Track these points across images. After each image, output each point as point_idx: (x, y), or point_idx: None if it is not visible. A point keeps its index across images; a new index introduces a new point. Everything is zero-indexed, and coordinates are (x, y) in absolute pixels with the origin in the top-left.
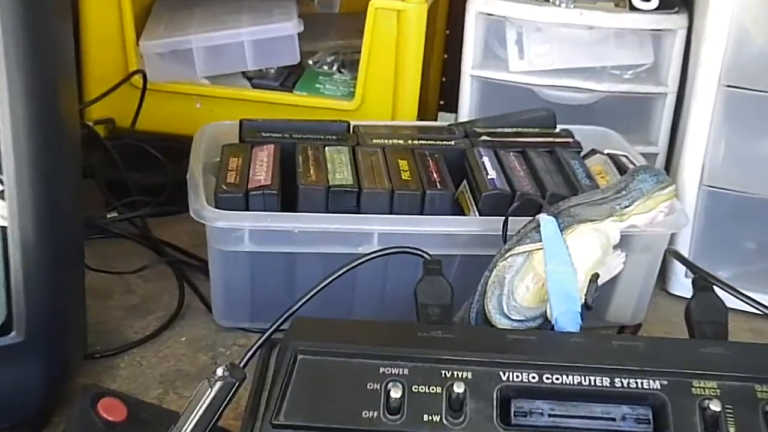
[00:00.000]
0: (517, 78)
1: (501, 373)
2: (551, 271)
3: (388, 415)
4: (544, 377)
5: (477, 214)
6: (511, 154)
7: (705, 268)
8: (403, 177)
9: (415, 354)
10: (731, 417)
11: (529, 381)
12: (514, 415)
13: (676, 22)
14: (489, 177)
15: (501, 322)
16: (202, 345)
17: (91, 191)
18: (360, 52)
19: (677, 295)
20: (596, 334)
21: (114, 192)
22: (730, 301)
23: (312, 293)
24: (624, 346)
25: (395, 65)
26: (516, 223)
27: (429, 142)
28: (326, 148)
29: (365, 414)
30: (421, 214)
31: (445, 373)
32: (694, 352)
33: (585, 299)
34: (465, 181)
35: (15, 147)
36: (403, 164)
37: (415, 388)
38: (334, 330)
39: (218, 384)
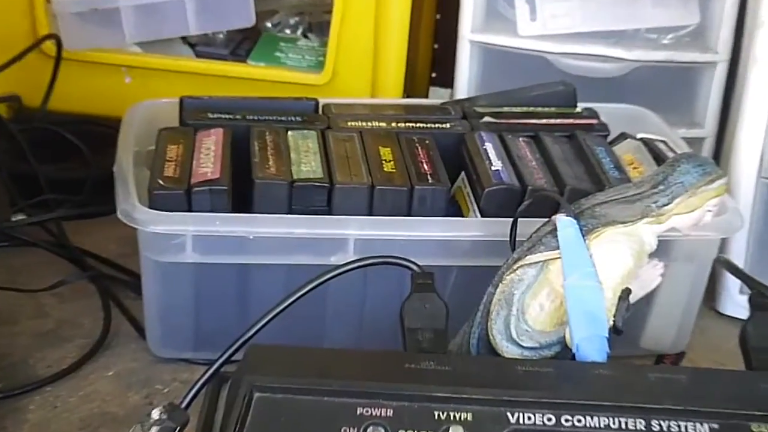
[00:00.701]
0: (528, 44)
1: (509, 414)
2: (571, 285)
3: None
4: (563, 419)
5: (478, 214)
6: (521, 139)
7: (765, 281)
8: (385, 168)
9: (401, 390)
10: None
11: (544, 424)
12: None
13: None
14: (493, 168)
15: (509, 350)
16: (133, 381)
17: None
18: (330, 11)
19: (729, 316)
20: (628, 364)
21: (21, 189)
22: None
23: (272, 315)
24: (663, 380)
25: (375, 28)
26: (527, 225)
27: (418, 124)
28: (289, 132)
29: None
30: (409, 215)
31: (439, 415)
32: (752, 388)
33: (614, 321)
34: (463, 174)
35: None
36: (385, 153)
37: None
38: (299, 361)
39: (154, 429)
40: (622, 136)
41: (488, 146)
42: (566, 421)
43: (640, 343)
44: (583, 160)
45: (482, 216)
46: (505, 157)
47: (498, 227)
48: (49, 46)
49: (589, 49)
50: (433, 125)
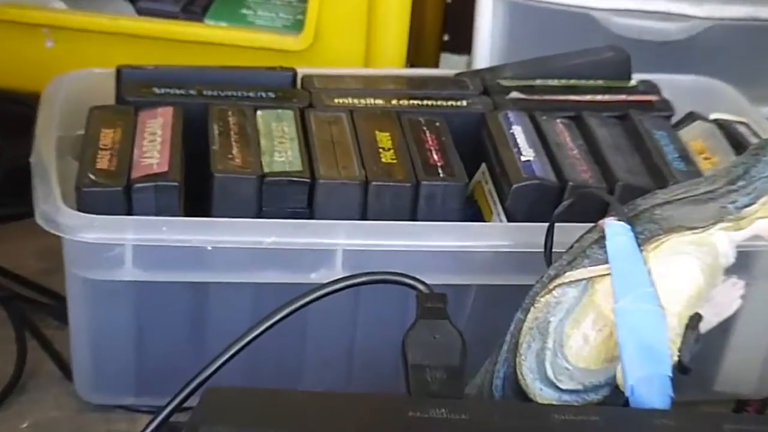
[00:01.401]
0: None
1: None
2: (624, 310)
3: None
4: None
5: (504, 218)
6: (559, 121)
7: None
8: (383, 159)
9: None
10: None
11: None
12: None
13: None
14: (523, 158)
15: (543, 394)
16: None
17: None
18: None
19: None
20: (698, 413)
21: None
22: None
23: (235, 350)
24: None
25: None
26: (566, 233)
27: (425, 102)
28: (258, 112)
29: None
30: (414, 219)
31: None
32: None
33: (679, 356)
34: (484, 165)
35: None
36: (383, 138)
37: None
38: (269, 408)
39: None
40: (690, 117)
41: (516, 130)
42: None
43: (715, 384)
44: (639, 148)
45: (509, 220)
46: (539, 144)
47: (529, 234)
48: None
49: (646, 4)
50: (444, 103)
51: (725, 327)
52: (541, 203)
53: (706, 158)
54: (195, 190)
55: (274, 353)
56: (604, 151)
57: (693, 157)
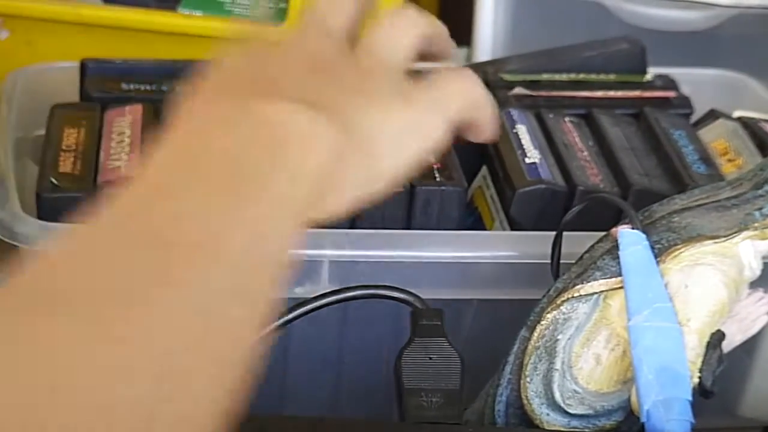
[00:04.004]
0: None
1: None
2: (639, 327)
3: None
4: None
5: (507, 226)
6: (567, 119)
7: None
8: None
9: None
10: None
11: None
12: None
13: None
14: (528, 161)
15: (550, 420)
16: None
17: None
18: None
19: None
20: None
21: None
22: None
23: None
24: None
25: None
26: (575, 241)
27: None
28: None
29: None
30: (409, 227)
31: None
32: None
33: (700, 378)
34: (485, 169)
35: None
36: None
37: None
38: None
39: None
40: (712, 115)
41: (520, 129)
42: None
43: (738, 409)
44: (655, 149)
45: (512, 228)
46: (545, 144)
47: (535, 244)
48: None
49: None
50: None
51: (750, 346)
52: (547, 210)
53: (729, 160)
54: None
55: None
56: (616, 152)
57: (715, 159)
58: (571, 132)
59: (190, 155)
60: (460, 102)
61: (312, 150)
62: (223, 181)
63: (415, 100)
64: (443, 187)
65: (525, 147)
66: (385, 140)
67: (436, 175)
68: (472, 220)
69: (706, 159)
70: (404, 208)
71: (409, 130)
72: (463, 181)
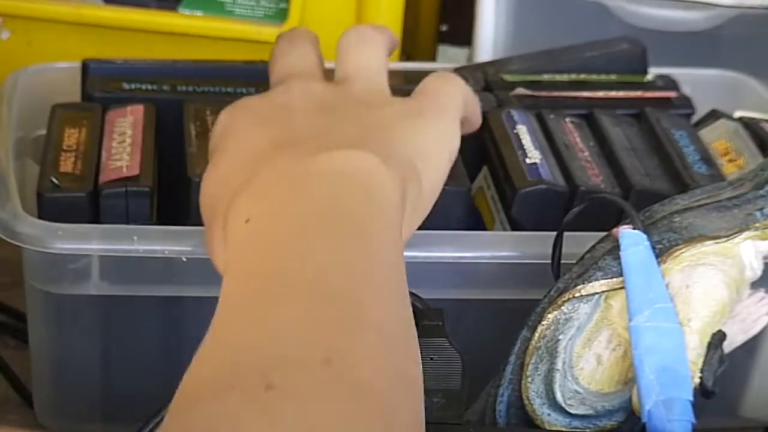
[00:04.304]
0: None
1: None
2: (640, 328)
3: None
4: None
5: (507, 226)
6: (568, 120)
7: None
8: None
9: None
10: None
11: None
12: None
13: None
14: (529, 161)
15: (551, 420)
16: None
17: None
18: None
19: None
20: None
21: None
22: None
23: None
24: None
25: None
26: (576, 242)
27: None
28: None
29: None
30: None
31: None
32: None
33: (701, 378)
34: (485, 168)
35: None
36: None
37: None
38: None
39: None
40: (713, 115)
41: (521, 129)
42: None
43: (739, 410)
44: (656, 150)
45: (513, 228)
46: (546, 145)
47: (536, 244)
48: None
49: None
50: None
51: (750, 346)
52: (548, 210)
53: (730, 161)
54: (169, 196)
55: None
56: (617, 152)
57: (716, 159)
58: (572, 132)
59: (292, 219)
60: (460, 101)
61: (388, 188)
62: (344, 232)
63: (427, 111)
64: (447, 187)
65: (526, 147)
66: (424, 158)
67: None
68: (473, 220)
69: (708, 159)
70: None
71: (436, 140)
72: (467, 181)
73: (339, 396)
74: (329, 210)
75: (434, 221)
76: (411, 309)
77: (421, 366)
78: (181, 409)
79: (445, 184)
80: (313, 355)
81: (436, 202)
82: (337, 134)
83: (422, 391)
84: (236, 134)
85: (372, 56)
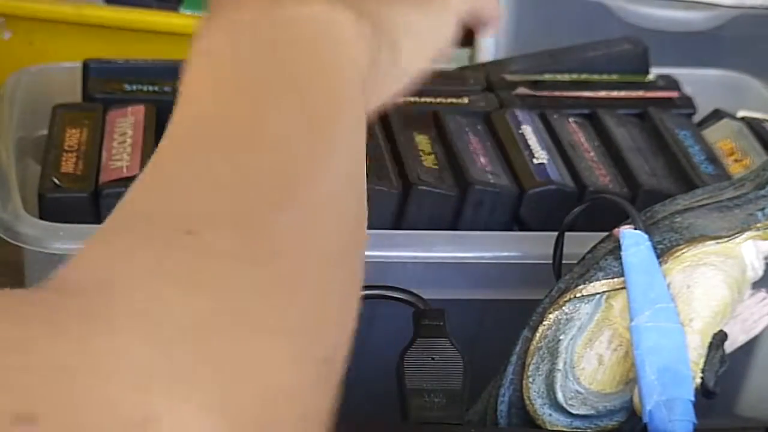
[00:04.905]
0: None
1: None
2: (641, 328)
3: None
4: None
5: (513, 226)
6: (572, 120)
7: None
8: (371, 160)
9: None
10: None
11: None
12: None
13: None
14: (536, 161)
15: (552, 420)
16: None
17: None
18: None
19: None
20: None
21: None
22: None
23: None
24: None
25: None
26: (577, 242)
27: (423, 99)
28: None
29: None
30: (455, 227)
31: None
32: None
33: (702, 377)
34: None
35: None
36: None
37: None
38: None
39: None
40: (716, 115)
41: (526, 130)
42: None
43: (737, 409)
44: (661, 150)
45: (520, 228)
46: (552, 145)
47: (537, 244)
48: None
49: None
50: (444, 100)
51: (748, 345)
52: (556, 210)
53: (736, 160)
54: None
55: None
56: (623, 152)
57: (721, 159)
58: (576, 132)
59: (254, 62)
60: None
61: (360, 48)
62: (300, 84)
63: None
64: (495, 189)
65: (532, 147)
66: (409, 39)
67: (489, 176)
68: None
69: (713, 159)
70: (396, 207)
71: (428, 28)
72: (513, 185)
73: (251, 260)
74: (293, 61)
75: (427, 223)
76: (362, 192)
77: (358, 272)
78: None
79: (495, 186)
80: (236, 215)
81: (485, 202)
82: None
83: (352, 296)
84: None
85: None
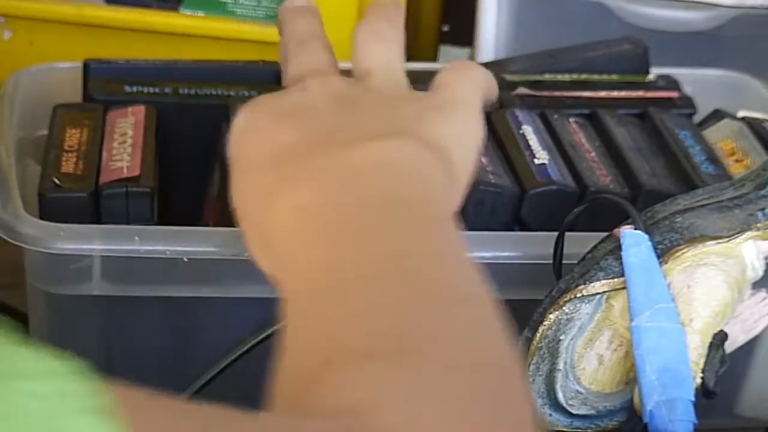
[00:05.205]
0: None
1: None
2: (642, 328)
3: None
4: None
5: (514, 226)
6: (572, 120)
7: None
8: None
9: None
10: None
11: None
12: None
13: None
14: (537, 161)
15: (553, 420)
16: None
17: None
18: None
19: None
20: None
21: None
22: None
23: (214, 373)
24: None
25: None
26: (578, 242)
27: None
28: None
29: None
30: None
31: None
32: None
33: (703, 378)
34: None
35: None
36: None
37: None
38: None
39: None
40: (717, 115)
41: (527, 130)
42: None
43: (737, 409)
44: (662, 150)
45: (521, 229)
46: (552, 145)
47: (537, 244)
48: None
49: None
50: None
51: (748, 345)
52: (558, 211)
53: (737, 161)
54: (170, 197)
55: (257, 377)
56: (624, 153)
57: (722, 159)
58: (576, 132)
59: (353, 207)
60: (483, 90)
61: (434, 171)
62: (404, 217)
63: (449, 105)
64: (497, 189)
65: (533, 148)
66: (452, 147)
67: (490, 176)
68: None
69: (714, 159)
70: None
71: (462, 131)
72: (514, 185)
73: (460, 369)
74: (384, 197)
75: (480, 221)
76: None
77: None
78: (296, 394)
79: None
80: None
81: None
82: (369, 126)
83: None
84: (257, 133)
85: (388, 51)
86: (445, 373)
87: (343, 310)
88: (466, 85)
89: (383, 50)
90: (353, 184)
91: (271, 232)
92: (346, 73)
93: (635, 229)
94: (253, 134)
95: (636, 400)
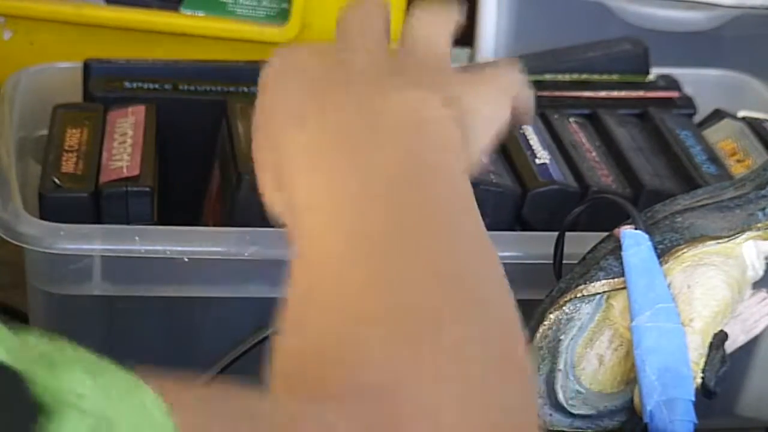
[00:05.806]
0: None
1: None
2: (642, 328)
3: None
4: None
5: (516, 226)
6: (572, 120)
7: None
8: None
9: None
10: None
11: None
12: None
13: None
14: (538, 161)
15: (553, 420)
16: None
17: None
18: None
19: None
20: None
21: None
22: None
23: (214, 372)
24: None
25: None
26: (578, 242)
27: None
28: (240, 109)
29: None
30: None
31: None
32: None
33: (703, 378)
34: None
35: None
36: None
37: None
38: None
39: None
40: (717, 115)
41: (528, 130)
42: None
43: (736, 409)
44: (663, 150)
45: (523, 228)
46: (553, 145)
47: (537, 244)
48: None
49: None
50: None
51: (748, 345)
52: (559, 211)
53: (738, 161)
54: (170, 197)
55: (257, 377)
56: (625, 152)
57: (723, 159)
58: (577, 132)
59: (381, 157)
60: (518, 89)
61: (454, 132)
62: (425, 180)
63: (485, 84)
64: (498, 189)
65: (534, 147)
66: (475, 119)
67: (491, 176)
68: None
69: (715, 159)
70: None
71: (492, 107)
72: (516, 185)
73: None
74: (408, 160)
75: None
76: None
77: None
78: (304, 374)
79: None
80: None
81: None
82: (403, 78)
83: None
84: (296, 64)
85: (438, 26)
86: (469, 351)
87: (362, 277)
88: (512, 78)
89: (433, 24)
90: (377, 145)
91: (287, 166)
92: None
93: (636, 229)
94: (291, 66)
95: (636, 400)
